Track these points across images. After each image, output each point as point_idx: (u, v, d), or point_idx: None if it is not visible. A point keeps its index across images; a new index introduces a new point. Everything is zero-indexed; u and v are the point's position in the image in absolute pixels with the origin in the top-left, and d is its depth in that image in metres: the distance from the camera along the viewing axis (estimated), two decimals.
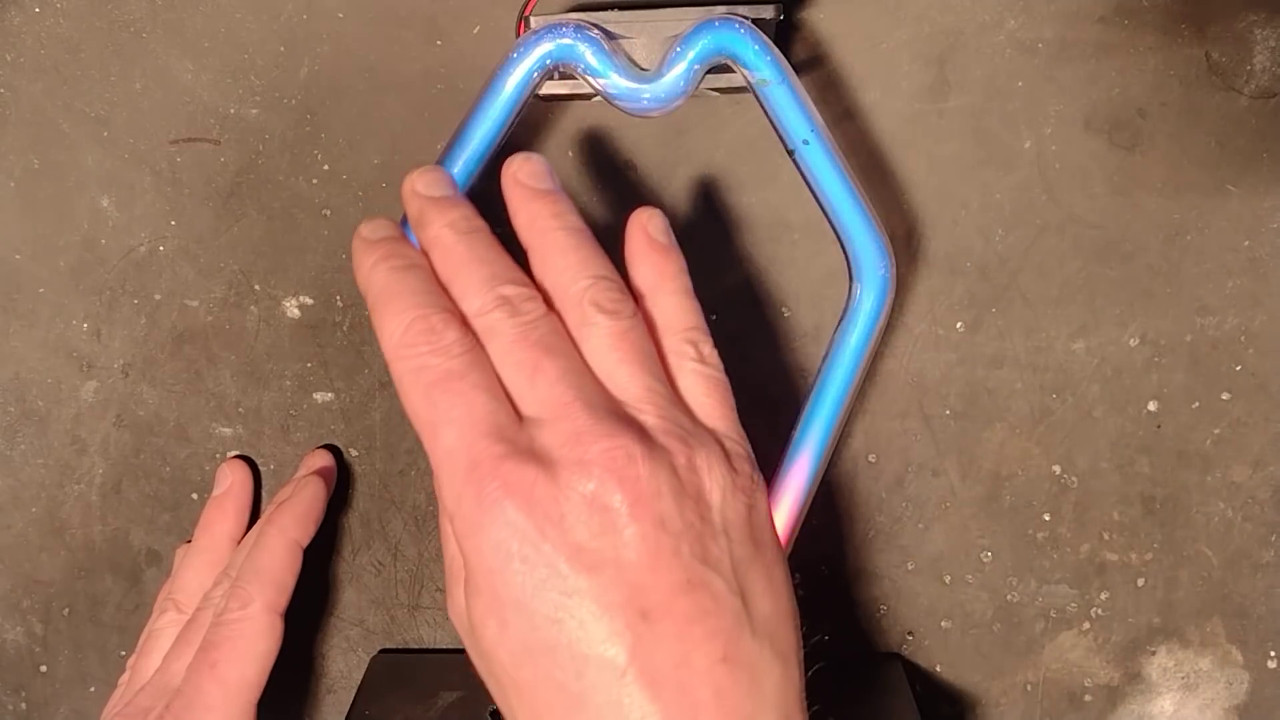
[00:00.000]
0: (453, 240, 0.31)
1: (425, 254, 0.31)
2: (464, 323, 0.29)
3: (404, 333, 0.29)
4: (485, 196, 0.40)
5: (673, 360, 0.31)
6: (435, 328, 0.29)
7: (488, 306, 0.29)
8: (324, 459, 0.41)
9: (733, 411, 0.31)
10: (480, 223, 0.31)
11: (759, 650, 0.27)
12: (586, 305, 0.30)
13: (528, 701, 0.27)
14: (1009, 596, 0.42)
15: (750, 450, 0.30)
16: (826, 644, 0.42)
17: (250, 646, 0.36)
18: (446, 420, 0.28)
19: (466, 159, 0.34)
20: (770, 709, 0.27)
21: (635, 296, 0.31)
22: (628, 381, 0.29)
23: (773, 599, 0.28)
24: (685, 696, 0.26)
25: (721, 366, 0.31)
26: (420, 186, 0.32)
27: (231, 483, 0.41)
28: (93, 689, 0.44)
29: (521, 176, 0.32)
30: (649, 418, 0.28)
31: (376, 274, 0.31)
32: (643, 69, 0.34)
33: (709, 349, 0.31)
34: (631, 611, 0.26)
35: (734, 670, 0.26)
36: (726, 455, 0.29)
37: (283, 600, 0.37)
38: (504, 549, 0.26)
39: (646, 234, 0.32)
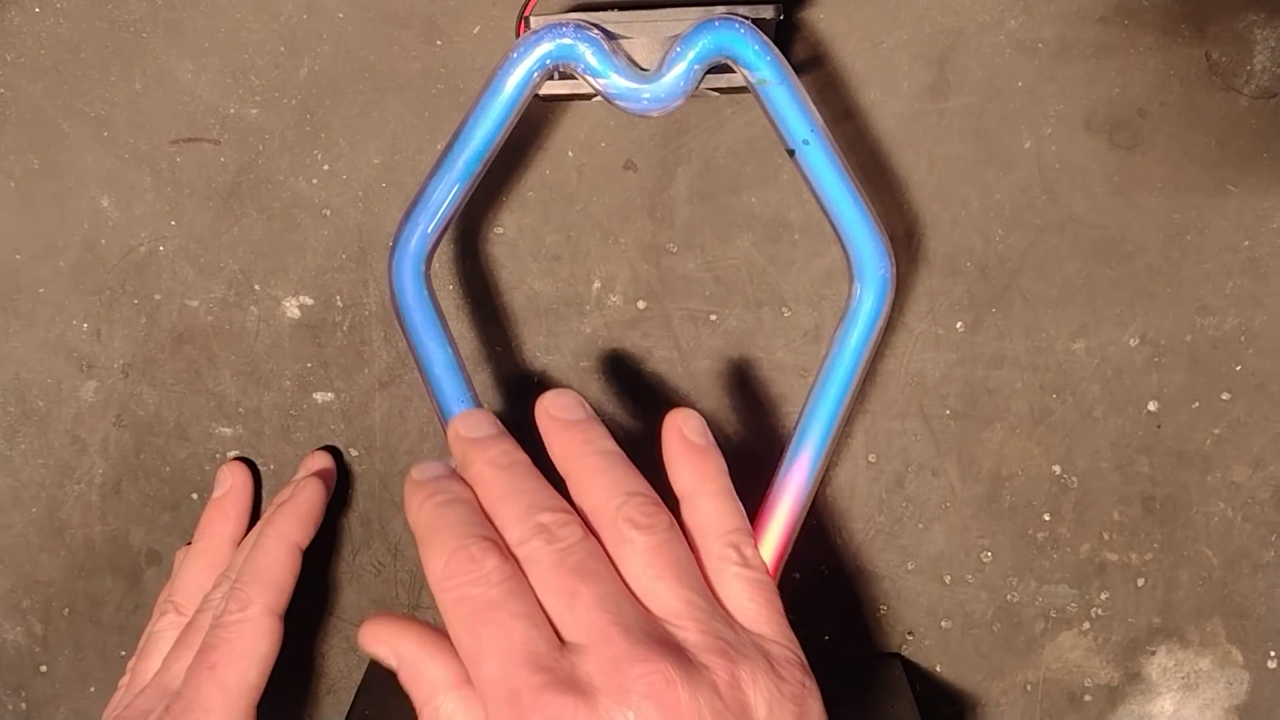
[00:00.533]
0: (492, 475, 0.32)
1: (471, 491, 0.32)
2: (504, 551, 0.30)
3: (446, 564, 0.30)
4: (485, 196, 0.40)
5: (714, 565, 0.31)
6: (475, 557, 0.29)
7: (527, 535, 0.30)
8: (323, 460, 0.41)
9: (779, 614, 0.31)
10: (520, 456, 0.33)
11: None
12: (621, 523, 0.30)
13: None
14: (1009, 596, 0.42)
15: (800, 653, 0.31)
16: (827, 644, 0.42)
17: (249, 649, 0.36)
18: (489, 651, 0.28)
19: (466, 159, 0.34)
20: None
21: (677, 498, 0.32)
22: (666, 597, 0.30)
23: None
24: None
25: (765, 568, 0.32)
26: (463, 430, 0.33)
27: (231, 484, 0.41)
28: (93, 689, 0.44)
29: (554, 411, 0.33)
30: (690, 634, 0.29)
31: (423, 511, 0.32)
32: (643, 69, 0.34)
33: (751, 551, 0.32)
34: None
35: None
36: (772, 664, 0.29)
37: (282, 602, 0.37)
38: None
39: (683, 436, 0.33)
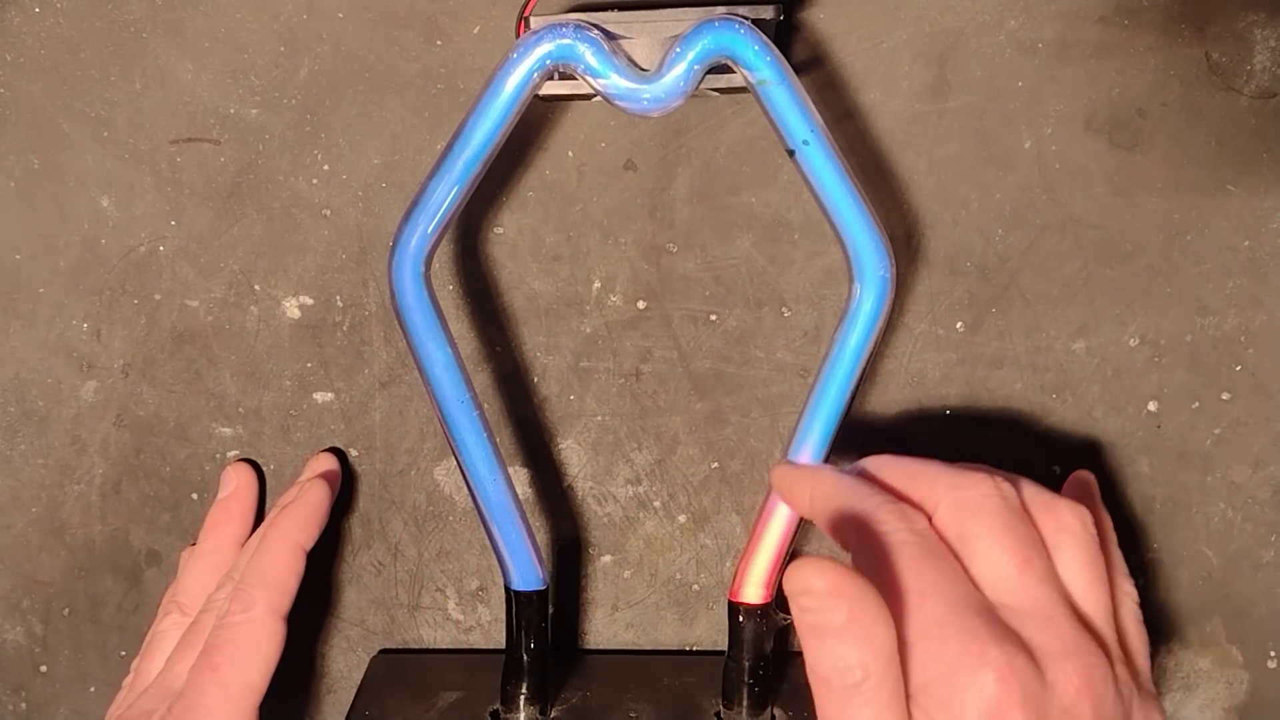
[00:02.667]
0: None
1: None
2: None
3: (878, 510, 0.30)
4: (485, 196, 0.40)
5: (1116, 596, 0.32)
6: (907, 513, 0.30)
7: (983, 485, 0.30)
8: (329, 462, 0.41)
9: (1148, 658, 0.32)
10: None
11: None
12: (1063, 511, 0.31)
13: None
14: None
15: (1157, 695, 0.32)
16: None
17: (253, 650, 0.36)
18: (937, 590, 0.28)
19: (466, 159, 0.34)
20: None
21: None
22: (1089, 601, 0.30)
23: None
24: None
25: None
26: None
27: (236, 486, 0.41)
28: (93, 689, 0.44)
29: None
30: (1107, 640, 0.30)
31: (822, 479, 0.33)
32: (643, 69, 0.34)
33: (1138, 598, 0.33)
34: None
35: None
36: (1147, 695, 0.30)
37: (285, 603, 0.37)
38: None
39: (1089, 489, 0.37)
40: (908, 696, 0.28)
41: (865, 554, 0.29)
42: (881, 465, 0.33)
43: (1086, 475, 0.39)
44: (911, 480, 0.32)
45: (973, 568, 0.29)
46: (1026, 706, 0.27)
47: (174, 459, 0.42)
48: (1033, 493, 0.32)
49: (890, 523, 0.29)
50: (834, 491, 0.32)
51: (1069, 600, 0.30)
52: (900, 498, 0.31)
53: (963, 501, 0.30)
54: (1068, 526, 0.31)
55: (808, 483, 0.34)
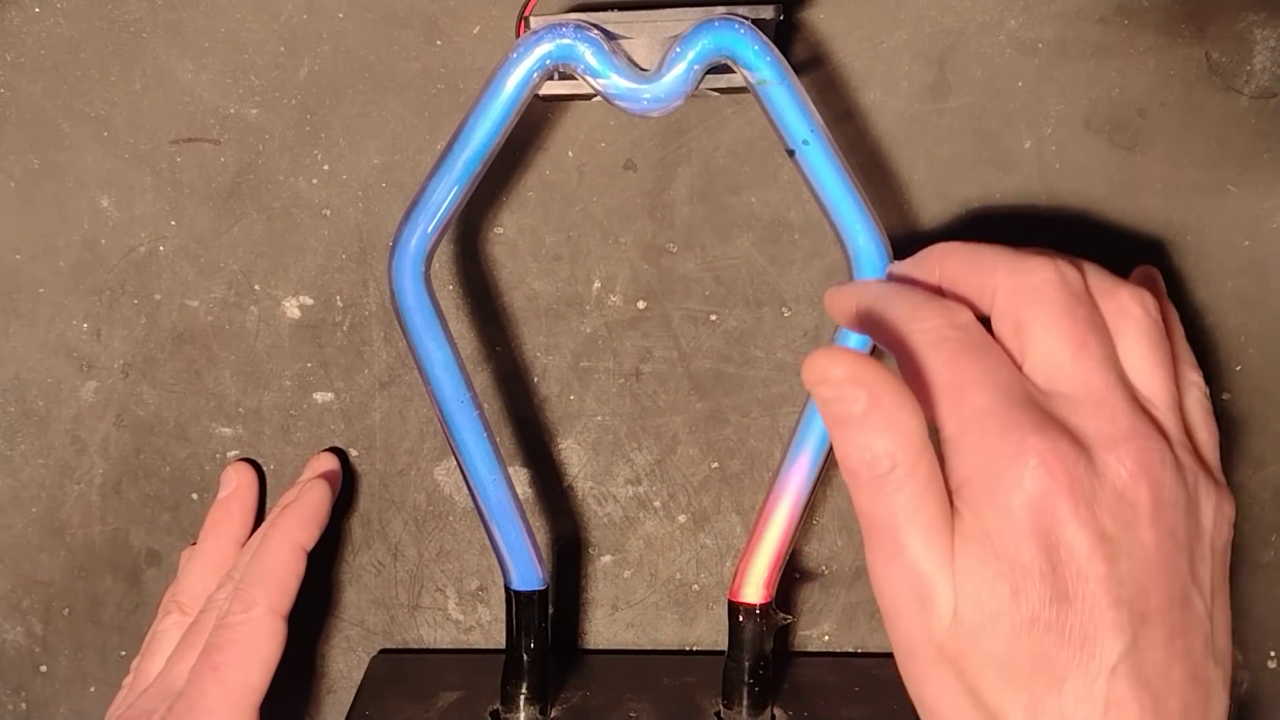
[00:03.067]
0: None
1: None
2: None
3: (916, 309, 0.29)
4: (485, 196, 0.40)
5: (1181, 385, 0.31)
6: (949, 308, 0.29)
7: (1039, 266, 0.29)
8: (330, 462, 0.41)
9: (1217, 449, 0.31)
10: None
11: (1216, 676, 0.28)
12: (1124, 296, 0.30)
13: (1009, 675, 0.26)
14: None
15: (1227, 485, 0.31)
16: (826, 644, 0.42)
17: (253, 650, 0.36)
18: (976, 383, 0.27)
19: (466, 159, 0.34)
20: None
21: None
22: (1152, 386, 0.29)
23: (1227, 629, 0.29)
24: (1160, 704, 0.26)
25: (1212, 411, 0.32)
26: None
27: (237, 485, 0.41)
28: (93, 689, 0.44)
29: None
30: (1169, 426, 0.28)
31: (871, 286, 0.32)
32: (643, 69, 0.34)
33: (1207, 389, 0.32)
34: (1134, 611, 0.26)
35: (1198, 689, 0.27)
36: (1216, 483, 0.29)
37: (286, 603, 0.37)
38: (1032, 513, 0.26)
39: (1155, 283, 0.35)
40: (950, 491, 0.27)
41: (906, 355, 0.28)
42: (945, 253, 0.31)
43: (1152, 270, 0.36)
44: (972, 267, 0.30)
45: (1028, 356, 0.28)
46: (1074, 493, 0.26)
47: (174, 459, 0.42)
48: (1097, 277, 0.30)
49: (930, 319, 0.28)
50: (877, 299, 0.30)
51: (1128, 385, 0.28)
52: (960, 288, 0.30)
53: (1021, 287, 0.29)
54: (1129, 311, 0.29)
55: (852, 296, 0.32)
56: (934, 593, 0.27)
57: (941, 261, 0.31)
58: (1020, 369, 0.29)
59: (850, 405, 0.26)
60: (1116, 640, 0.26)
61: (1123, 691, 0.26)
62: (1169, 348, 0.30)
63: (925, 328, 0.28)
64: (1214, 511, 0.28)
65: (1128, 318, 0.29)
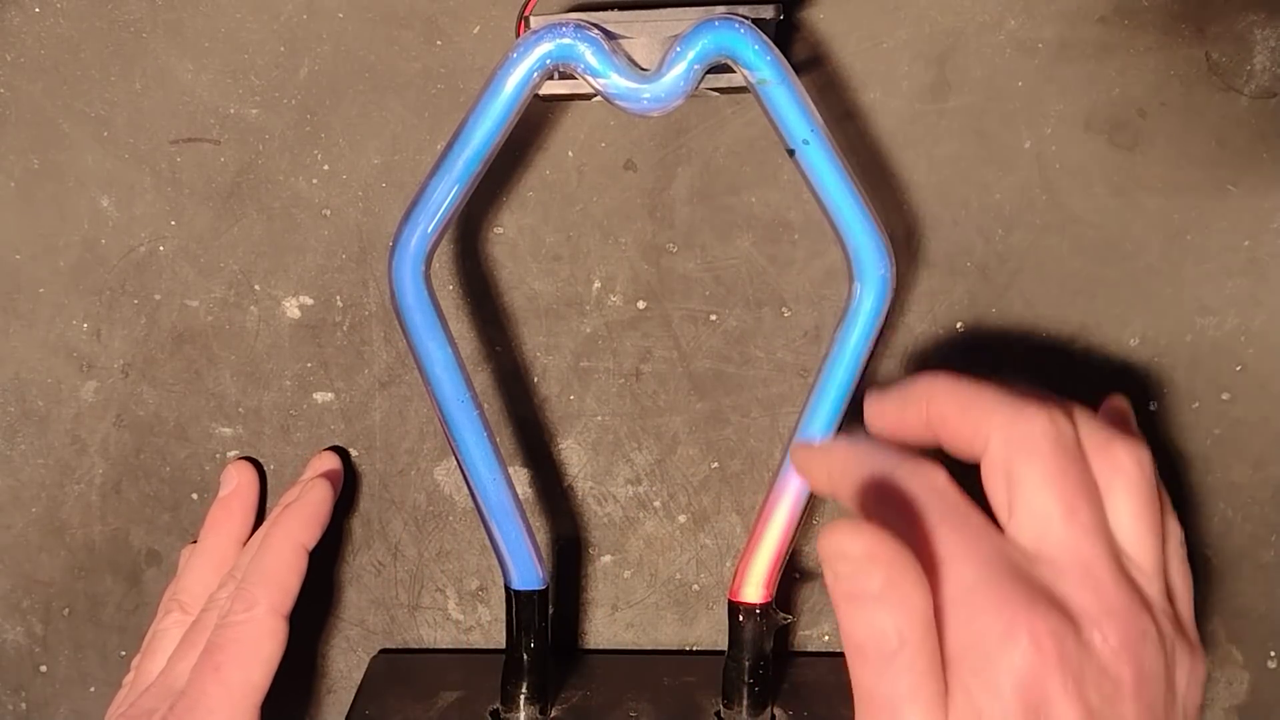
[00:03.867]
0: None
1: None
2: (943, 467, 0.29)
3: (894, 471, 0.29)
4: (485, 196, 0.40)
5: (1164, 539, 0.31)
6: (924, 470, 0.29)
7: (1038, 418, 0.29)
8: (331, 462, 0.41)
9: (1192, 604, 0.31)
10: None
11: None
12: (1119, 451, 0.29)
13: None
14: None
15: (1200, 641, 0.30)
16: (826, 644, 0.42)
17: (255, 649, 0.36)
18: (963, 557, 0.27)
19: (466, 159, 0.34)
20: None
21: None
22: (1139, 550, 0.29)
23: None
24: None
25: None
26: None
27: (238, 484, 0.41)
28: (93, 689, 0.44)
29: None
30: (1153, 595, 0.29)
31: (838, 450, 0.32)
32: (643, 69, 0.34)
33: (1183, 536, 0.31)
34: None
35: None
36: (1191, 649, 0.29)
37: (288, 603, 0.37)
38: (1022, 691, 0.26)
39: (1124, 419, 0.34)
40: (943, 665, 0.27)
41: (886, 520, 0.28)
42: (934, 389, 0.31)
43: (1121, 404, 0.35)
44: (963, 409, 0.30)
45: (1017, 510, 0.28)
46: (1064, 670, 0.26)
47: (174, 459, 0.42)
48: (1089, 428, 0.30)
49: (908, 483, 0.28)
50: (849, 462, 0.31)
51: (1116, 552, 0.28)
52: (950, 426, 0.30)
53: (1016, 438, 0.29)
54: (1123, 468, 0.29)
55: (823, 459, 0.32)
56: None
57: (930, 397, 0.31)
58: (1004, 525, 0.29)
59: (866, 582, 0.26)
60: None
61: None
62: (1158, 506, 0.30)
63: (905, 491, 0.28)
64: (1188, 676, 0.29)
65: (1121, 474, 0.29)
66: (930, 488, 0.28)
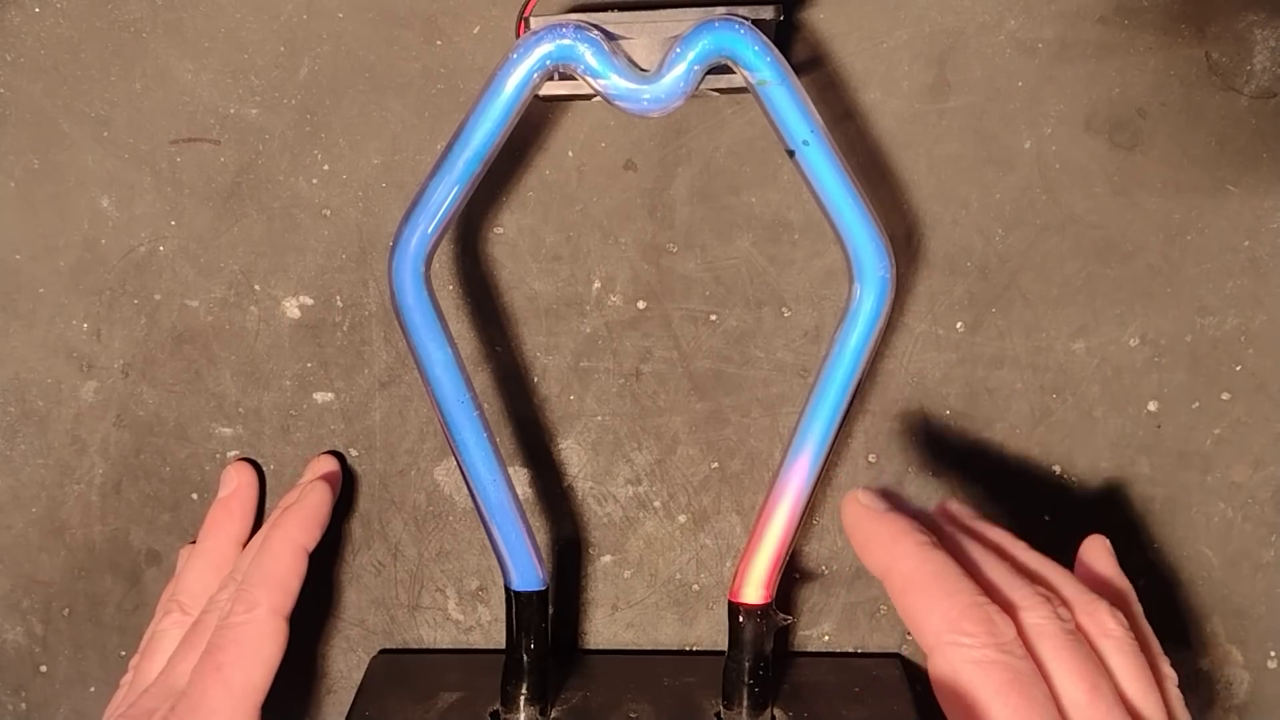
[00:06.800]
0: (954, 532, 0.34)
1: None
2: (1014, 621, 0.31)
3: (961, 617, 0.30)
4: (485, 196, 0.40)
5: (1161, 685, 0.32)
6: (993, 619, 0.30)
7: (1034, 603, 0.31)
8: (330, 464, 0.41)
9: None
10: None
11: None
12: (1104, 616, 0.32)
13: None
14: None
15: None
16: (826, 644, 0.42)
17: (255, 650, 0.36)
18: None
19: (466, 159, 0.34)
20: None
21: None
22: (1145, 705, 0.31)
23: None
24: None
25: None
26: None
27: (237, 485, 0.41)
28: (93, 689, 0.44)
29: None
30: None
31: (910, 550, 0.32)
32: (643, 69, 0.34)
33: (1176, 677, 0.33)
34: None
35: None
36: None
37: (288, 604, 0.37)
38: None
39: (1105, 555, 0.37)
40: None
41: (949, 665, 0.30)
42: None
43: (1101, 543, 0.38)
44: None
45: (1050, 687, 0.30)
46: None
47: (174, 459, 0.42)
48: (1073, 594, 0.32)
49: (977, 638, 0.29)
50: (917, 574, 0.32)
51: (1131, 716, 0.30)
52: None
53: (1027, 624, 0.31)
54: (1110, 632, 0.32)
55: (886, 549, 0.33)
56: None
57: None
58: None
59: None
60: None
61: None
62: (1144, 656, 0.32)
63: (964, 643, 0.29)
64: None
65: (1109, 638, 0.32)
66: (998, 644, 0.29)
